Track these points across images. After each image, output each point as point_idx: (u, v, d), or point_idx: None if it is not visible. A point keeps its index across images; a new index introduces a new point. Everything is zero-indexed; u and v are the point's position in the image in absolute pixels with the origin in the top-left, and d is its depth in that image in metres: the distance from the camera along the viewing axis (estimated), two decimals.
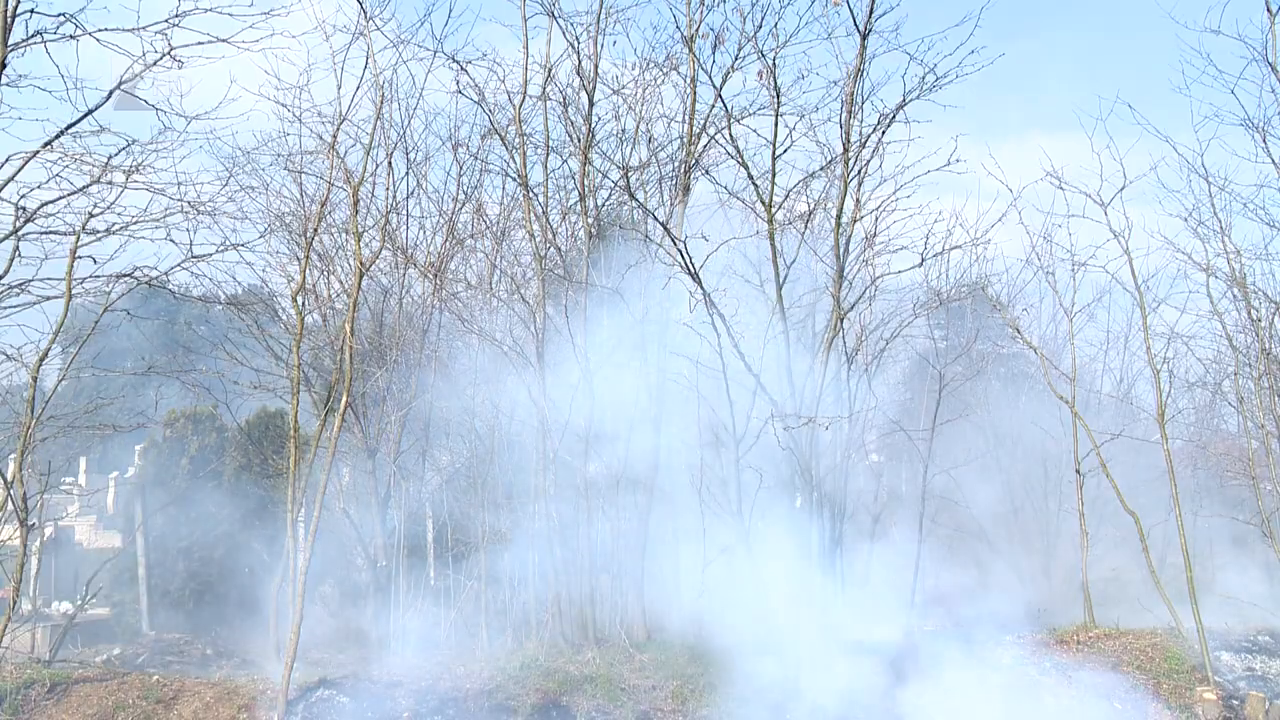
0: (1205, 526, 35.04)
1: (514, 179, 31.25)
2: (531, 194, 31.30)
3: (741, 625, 29.76)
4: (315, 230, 28.03)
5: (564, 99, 31.21)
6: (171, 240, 26.11)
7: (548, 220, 31.75)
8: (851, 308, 29.01)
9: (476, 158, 31.82)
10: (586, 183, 31.30)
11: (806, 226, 30.41)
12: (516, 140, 31.32)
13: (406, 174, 30.47)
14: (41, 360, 25.27)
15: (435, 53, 32.21)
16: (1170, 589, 29.54)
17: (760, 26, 29.44)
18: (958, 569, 30.82)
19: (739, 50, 29.29)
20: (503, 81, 31.79)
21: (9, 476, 25.41)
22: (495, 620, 31.03)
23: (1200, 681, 26.90)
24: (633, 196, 30.35)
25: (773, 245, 28.54)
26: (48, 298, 25.63)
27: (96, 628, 32.31)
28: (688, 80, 30.12)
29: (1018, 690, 26.50)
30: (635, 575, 29.91)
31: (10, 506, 25.26)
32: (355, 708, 26.17)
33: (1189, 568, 28.69)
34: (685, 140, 29.95)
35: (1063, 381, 32.02)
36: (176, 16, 22.66)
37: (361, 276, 27.65)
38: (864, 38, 28.06)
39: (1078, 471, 30.83)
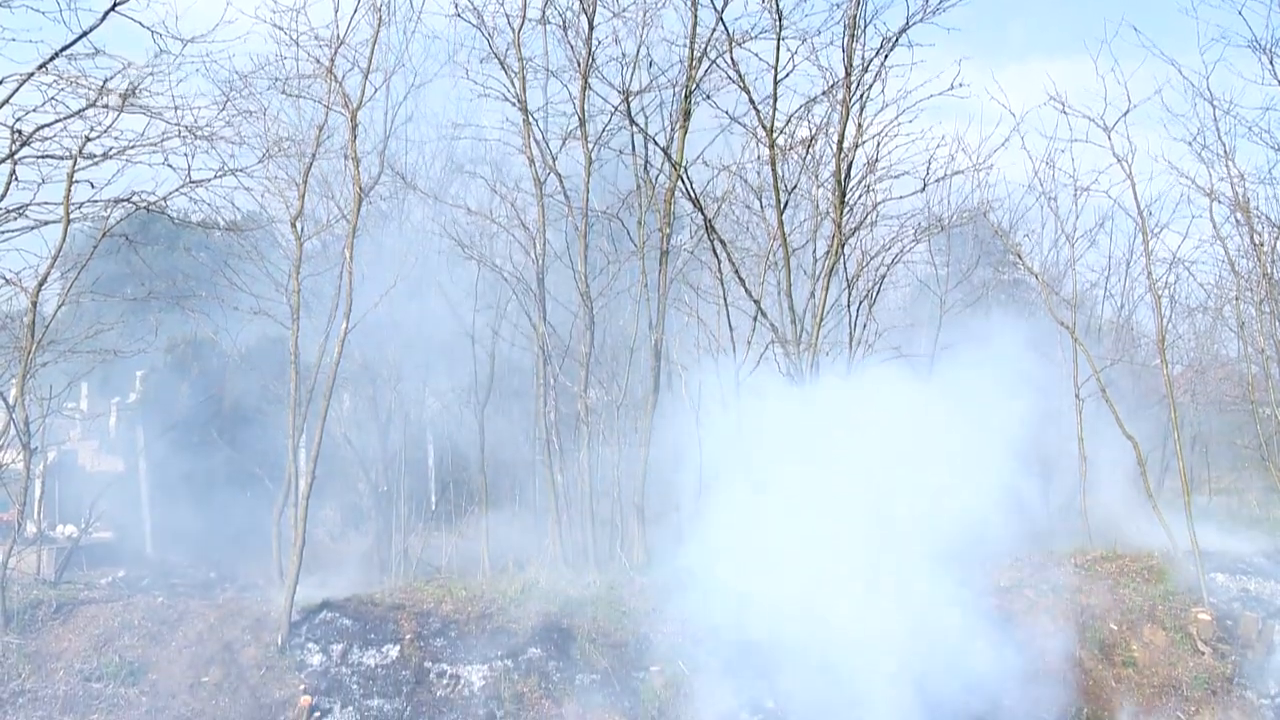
0: (1203, 452, 35.18)
1: (513, 104, 31.02)
2: (531, 119, 31.10)
3: (740, 548, 30.08)
4: (314, 155, 27.89)
5: (564, 22, 30.90)
6: (169, 165, 25.97)
7: (547, 146, 31.58)
8: (852, 233, 28.92)
9: (476, 82, 31.55)
10: (586, 108, 31.09)
11: (808, 152, 30.26)
12: (516, 64, 31.06)
13: (405, 99, 30.22)
14: (41, 285, 25.23)
15: None
16: (1168, 514, 29.74)
17: None
18: (955, 490, 30.81)
19: None
20: (502, 4, 31.47)
21: (10, 401, 25.49)
22: (496, 543, 31.27)
23: (1195, 603, 27.19)
24: (633, 122, 30.16)
25: (774, 171, 28.40)
26: (45, 222, 25.55)
27: (101, 551, 32.54)
28: (688, 3, 29.81)
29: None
30: (635, 499, 30.05)
31: (12, 430, 25.35)
32: (358, 629, 26.44)
33: (1186, 492, 28.87)
34: (686, 64, 29.69)
35: (1064, 308, 32.02)
36: None
37: (360, 202, 27.57)
38: None
39: (1077, 397, 30.89)
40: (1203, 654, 26.46)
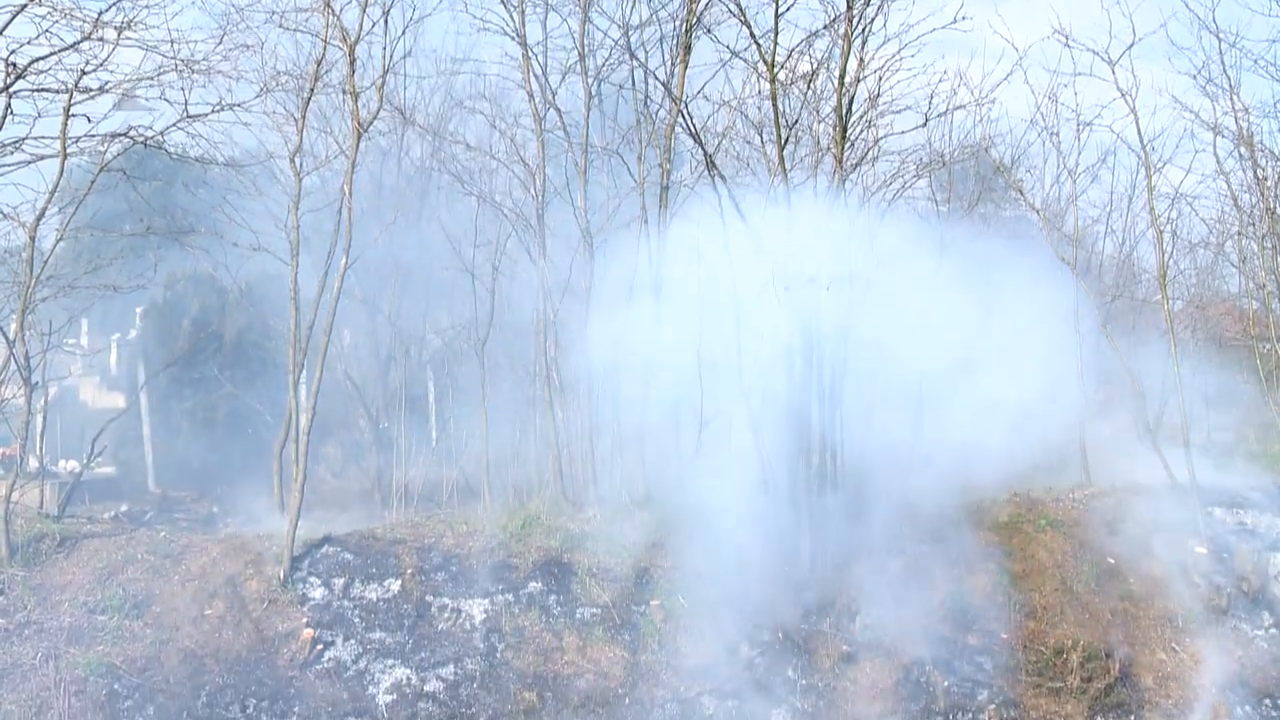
0: (1202, 387, 35.20)
1: (512, 38, 30.76)
2: (530, 53, 30.84)
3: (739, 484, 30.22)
4: (312, 90, 27.71)
5: None
6: (166, 99, 25.85)
7: (547, 81, 31.35)
8: (853, 169, 28.79)
9: (475, 16, 31.25)
10: (586, 42, 30.83)
11: (809, 87, 30.04)
12: None
13: (404, 33, 29.91)
14: (39, 219, 25.19)
15: None
16: (1166, 449, 29.82)
17: None
18: (955, 428, 30.91)
19: None
20: None
21: (11, 336, 25.52)
22: (497, 479, 31.39)
23: (1192, 537, 27.37)
24: (633, 56, 29.94)
25: (775, 106, 28.21)
26: (42, 156, 25.45)
27: (103, 485, 32.67)
28: None
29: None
30: (636, 435, 30.12)
31: (13, 366, 25.41)
32: (359, 563, 26.62)
33: (1185, 427, 28.97)
34: None
35: (1065, 244, 31.90)
36: None
37: (359, 137, 27.44)
38: None
39: (1077, 333, 30.89)
40: (1199, 587, 26.69)
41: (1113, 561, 27.14)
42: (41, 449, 28.84)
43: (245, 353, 36.53)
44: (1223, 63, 28.79)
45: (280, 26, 27.81)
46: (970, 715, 24.55)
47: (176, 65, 25.32)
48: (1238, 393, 36.41)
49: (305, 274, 27.68)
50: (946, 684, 24.89)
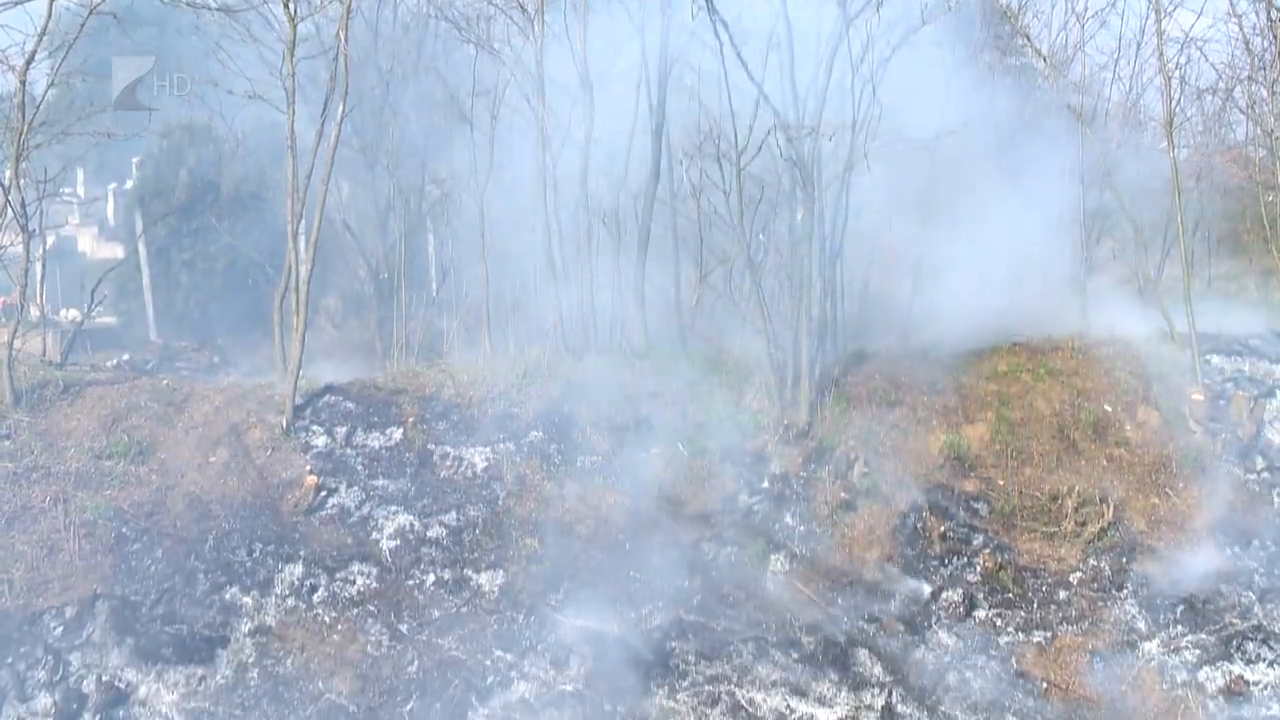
0: (1205, 236, 34.99)
1: None
2: None
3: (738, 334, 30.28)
4: None
5: None
6: None
7: None
8: (858, 14, 28.16)
9: None
10: None
11: None
12: None
13: None
14: (29, 63, 24.82)
15: None
16: (1167, 298, 29.80)
17: None
18: (956, 279, 30.84)
19: None
20: None
21: (5, 182, 25.32)
22: (498, 329, 31.42)
23: (1190, 384, 27.47)
24: None
25: None
26: None
27: (105, 335, 32.78)
28: None
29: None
30: (636, 286, 30.07)
31: (10, 213, 25.26)
32: (361, 412, 26.80)
33: (1187, 274, 28.90)
34: None
35: (1071, 92, 31.42)
36: None
37: None
38: None
39: (1081, 182, 30.64)
40: (1194, 433, 26.88)
41: (1109, 409, 27.28)
42: (42, 298, 28.83)
43: (243, 203, 36.31)
44: None
45: None
46: (965, 559, 24.91)
47: None
48: (1241, 242, 36.24)
49: (302, 124, 27.35)
50: (943, 529, 25.22)
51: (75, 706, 20.68)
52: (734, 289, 31.42)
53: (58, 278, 33.65)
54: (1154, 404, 27.40)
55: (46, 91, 26.07)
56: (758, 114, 27.44)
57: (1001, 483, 26.13)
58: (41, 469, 24.11)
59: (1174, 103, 28.28)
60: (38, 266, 27.04)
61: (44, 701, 20.85)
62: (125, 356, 31.17)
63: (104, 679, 21.20)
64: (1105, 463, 26.34)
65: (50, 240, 30.72)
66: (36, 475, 23.95)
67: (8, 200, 25.06)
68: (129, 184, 37.90)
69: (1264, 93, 29.61)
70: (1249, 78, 30.45)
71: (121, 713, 20.93)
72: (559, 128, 29.84)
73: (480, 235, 30.99)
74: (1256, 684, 22.59)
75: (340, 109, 26.36)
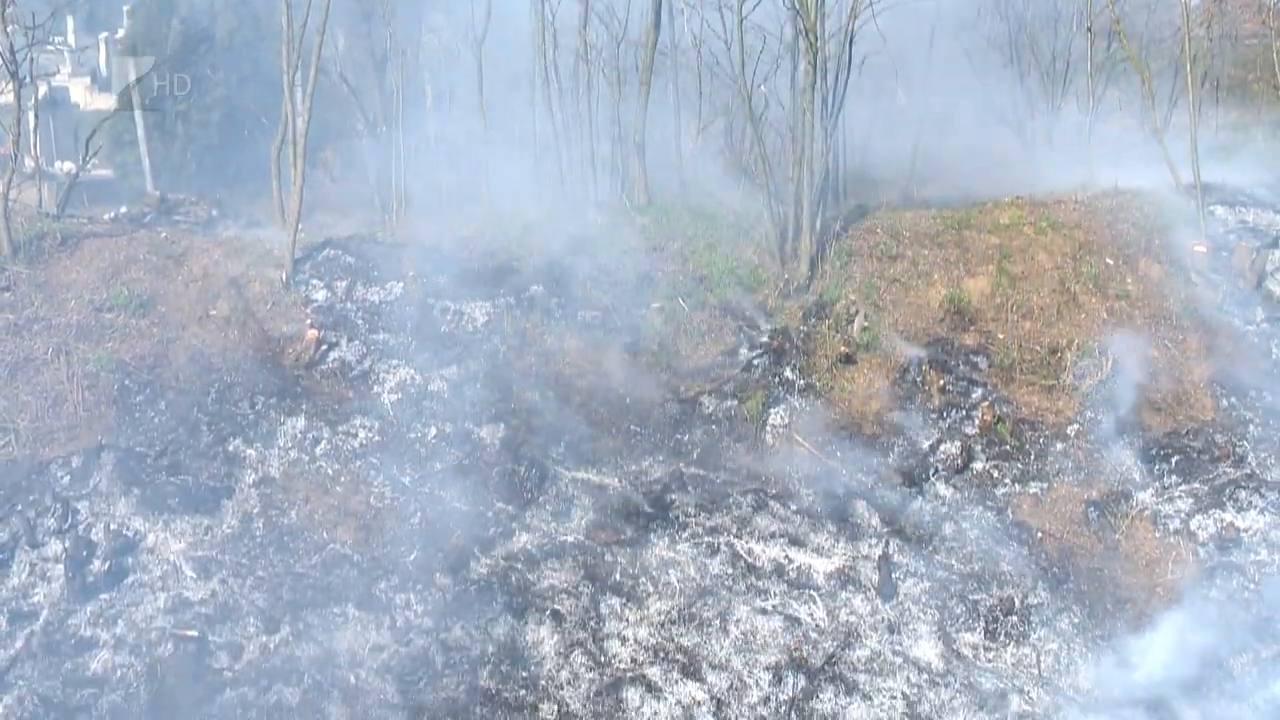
0: (1213, 85, 34.40)
1: None
2: None
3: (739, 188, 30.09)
4: None
5: None
6: None
7: None
8: None
9: None
10: None
11: None
12: None
13: None
14: None
15: None
16: (1173, 150, 29.48)
17: None
18: (959, 132, 30.66)
19: None
20: None
21: None
22: (498, 183, 31.14)
23: (1193, 236, 27.30)
24: None
25: None
26: None
27: (101, 187, 32.37)
28: None
29: None
30: (636, 139, 29.76)
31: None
32: (360, 265, 26.70)
33: (1194, 123, 28.48)
34: None
35: None
36: None
37: None
38: None
39: (1089, 30, 30.11)
40: (1195, 285, 26.81)
41: (1111, 262, 27.15)
42: (36, 147, 28.39)
43: (238, 54, 35.65)
44: None
45: None
46: (965, 412, 25.03)
47: None
48: (1249, 91, 35.66)
49: None
50: (942, 383, 25.31)
51: (85, 553, 20.95)
52: (735, 142, 31.13)
53: (51, 129, 33.13)
54: (1156, 256, 27.27)
55: None
56: None
57: (1001, 336, 26.15)
58: (42, 320, 24.08)
59: None
60: (30, 116, 26.56)
61: (55, 548, 21.13)
62: (123, 209, 30.85)
63: (112, 527, 21.45)
64: (1105, 316, 26.31)
65: (42, 91, 30.15)
66: (38, 327, 23.93)
67: None
68: (120, 33, 37.10)
69: None
70: None
71: (130, 560, 21.21)
72: None
73: (478, 88, 30.56)
74: (1247, 531, 22.88)
75: None
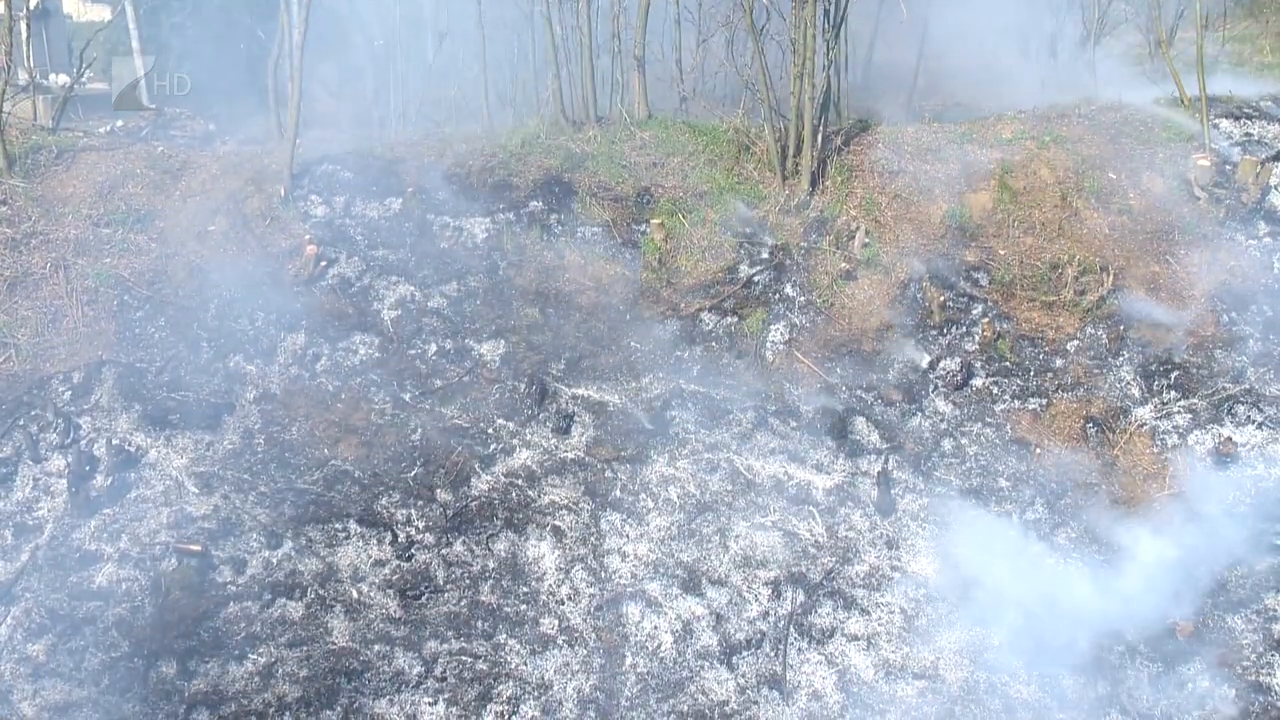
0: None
1: None
2: None
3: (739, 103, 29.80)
4: None
5: None
6: None
7: None
8: None
9: None
10: None
11: None
12: None
13: None
14: None
15: None
16: (1179, 63, 29.13)
17: None
18: (962, 46, 30.36)
19: None
20: None
21: None
22: (496, 98, 30.90)
23: (1196, 150, 27.05)
24: None
25: None
26: None
27: (96, 101, 32.02)
28: None
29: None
30: (636, 51, 29.46)
31: None
32: (358, 181, 26.55)
33: (1200, 35, 28.13)
34: None
35: None
36: None
37: None
38: None
39: None
40: (1198, 199, 26.58)
41: (1114, 177, 26.92)
42: (29, 59, 28.10)
43: None
44: None
45: None
46: (965, 329, 25.01)
47: None
48: (1257, 1, 35.22)
49: None
50: (943, 299, 25.25)
51: (88, 468, 21.07)
52: (735, 56, 30.80)
53: (45, 40, 32.71)
54: (1159, 171, 27.02)
55: None
56: None
57: (1002, 252, 26.05)
58: (40, 235, 24.02)
59: None
60: (22, 26, 26.27)
61: (57, 463, 21.27)
62: (119, 123, 30.61)
63: (114, 442, 21.56)
64: (1107, 231, 26.16)
65: (34, 1, 29.78)
66: (36, 242, 23.89)
67: None
68: None
69: None
70: None
71: (133, 475, 21.34)
72: None
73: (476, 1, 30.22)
74: (1245, 445, 22.93)
75: None
